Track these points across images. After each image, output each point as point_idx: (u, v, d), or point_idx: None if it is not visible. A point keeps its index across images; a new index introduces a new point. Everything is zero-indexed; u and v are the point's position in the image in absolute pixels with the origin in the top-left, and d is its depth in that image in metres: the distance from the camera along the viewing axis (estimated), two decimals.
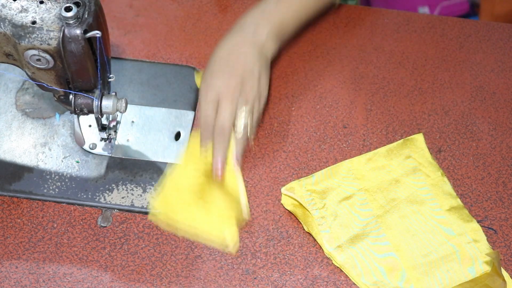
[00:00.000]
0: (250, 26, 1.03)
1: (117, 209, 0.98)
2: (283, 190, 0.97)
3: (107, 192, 0.99)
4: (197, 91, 1.09)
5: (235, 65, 1.00)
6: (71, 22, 0.83)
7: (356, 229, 0.94)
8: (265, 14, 1.05)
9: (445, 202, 0.96)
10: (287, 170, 1.01)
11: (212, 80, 0.99)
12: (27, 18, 0.84)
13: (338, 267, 0.93)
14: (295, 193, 0.96)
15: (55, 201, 0.98)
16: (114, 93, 0.94)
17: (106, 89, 0.93)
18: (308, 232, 0.95)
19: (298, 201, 0.96)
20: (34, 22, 0.84)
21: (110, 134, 1.00)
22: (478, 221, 0.97)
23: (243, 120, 0.97)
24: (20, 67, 0.89)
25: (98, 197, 0.98)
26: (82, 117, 0.98)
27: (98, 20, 0.86)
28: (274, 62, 1.11)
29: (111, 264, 0.93)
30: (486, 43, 1.15)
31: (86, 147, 1.02)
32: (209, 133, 0.97)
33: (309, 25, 1.16)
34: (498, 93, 1.09)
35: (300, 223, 0.96)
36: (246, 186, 1.00)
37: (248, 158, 1.02)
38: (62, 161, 1.01)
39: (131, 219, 0.97)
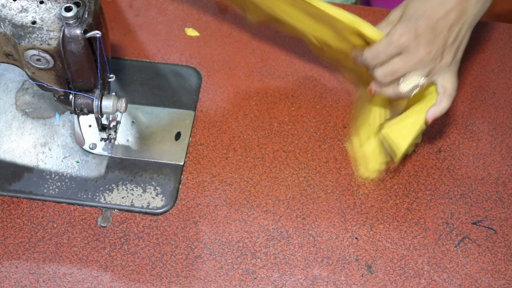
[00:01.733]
0: None
1: (117, 209, 0.98)
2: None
3: (107, 192, 0.99)
4: (197, 91, 1.08)
5: (438, 32, 0.87)
6: (71, 22, 0.83)
7: None
8: None
9: None
10: (287, 170, 1.01)
11: (415, 27, 0.87)
12: (27, 18, 0.84)
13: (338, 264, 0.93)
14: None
15: (55, 201, 0.98)
16: (114, 93, 0.94)
17: (106, 89, 0.93)
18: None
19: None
20: (34, 22, 0.84)
21: (110, 134, 1.00)
22: (478, 221, 0.97)
23: (412, 84, 0.90)
24: (20, 67, 0.89)
25: (98, 197, 0.98)
26: (82, 117, 0.98)
27: (98, 20, 0.86)
28: (274, 62, 1.11)
29: (111, 264, 0.93)
30: (486, 43, 1.15)
31: (86, 147, 1.02)
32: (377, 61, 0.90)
33: None
34: (498, 93, 1.09)
35: (308, 217, 0.96)
36: (246, 186, 1.00)
37: (248, 158, 1.02)
38: (62, 161, 1.01)
39: (131, 219, 0.97)
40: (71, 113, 0.93)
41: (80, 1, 0.84)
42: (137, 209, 0.97)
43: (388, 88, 0.92)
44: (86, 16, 0.84)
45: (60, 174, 1.00)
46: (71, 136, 1.03)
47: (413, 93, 0.90)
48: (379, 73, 0.90)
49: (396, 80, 0.91)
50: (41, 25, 0.84)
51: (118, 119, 1.03)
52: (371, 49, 0.90)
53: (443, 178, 1.01)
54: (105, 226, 0.96)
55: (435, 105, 0.91)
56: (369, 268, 0.94)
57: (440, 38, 0.88)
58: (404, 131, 0.93)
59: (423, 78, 0.90)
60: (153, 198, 0.98)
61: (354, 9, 1.18)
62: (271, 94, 1.09)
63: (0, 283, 0.91)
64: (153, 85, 1.09)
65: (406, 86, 0.90)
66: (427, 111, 0.92)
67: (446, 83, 0.91)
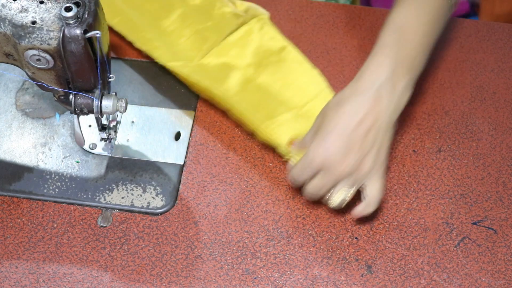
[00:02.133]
0: (381, 81, 0.87)
1: (117, 209, 0.98)
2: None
3: (107, 192, 0.99)
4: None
5: (353, 144, 0.87)
6: (71, 22, 0.83)
7: None
8: (398, 61, 0.88)
9: None
10: (287, 170, 1.01)
11: (326, 145, 0.87)
12: (27, 18, 0.84)
13: (337, 266, 0.93)
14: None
15: (55, 201, 0.98)
16: (114, 93, 0.94)
17: (106, 89, 0.93)
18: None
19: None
20: (34, 22, 0.84)
21: (110, 134, 1.00)
22: (478, 221, 0.97)
23: (340, 199, 0.91)
24: (20, 67, 0.89)
25: (98, 197, 0.98)
26: (82, 117, 0.98)
27: (98, 20, 0.86)
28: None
29: (111, 264, 0.93)
30: (486, 43, 1.15)
31: (86, 147, 1.02)
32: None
33: (309, 26, 1.16)
34: (498, 93, 1.09)
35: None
36: (246, 186, 1.00)
37: (248, 158, 1.02)
38: (62, 161, 1.01)
39: (131, 219, 0.97)
40: (71, 113, 0.93)
41: (80, 1, 0.84)
42: (137, 209, 0.97)
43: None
44: (86, 16, 0.84)
45: (60, 174, 1.00)
46: (71, 136, 1.03)
47: (344, 204, 0.92)
48: (307, 192, 0.93)
49: (326, 194, 0.92)
50: (41, 25, 0.84)
51: (118, 119, 1.03)
52: (291, 172, 0.92)
53: (443, 178, 1.01)
54: (105, 226, 0.96)
55: (362, 206, 0.92)
56: (369, 268, 0.94)
57: (356, 148, 0.87)
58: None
59: (349, 190, 0.91)
60: (153, 198, 0.98)
61: (354, 9, 1.18)
62: None
63: (0, 283, 0.91)
64: (153, 85, 1.09)
65: (334, 202, 0.92)
66: (354, 209, 0.93)
67: (372, 189, 0.91)
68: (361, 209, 0.92)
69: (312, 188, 0.91)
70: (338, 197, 0.91)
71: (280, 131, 1.00)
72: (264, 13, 1.13)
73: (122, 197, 0.98)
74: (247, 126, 1.02)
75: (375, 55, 0.90)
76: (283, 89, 1.05)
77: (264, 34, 1.10)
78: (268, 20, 1.12)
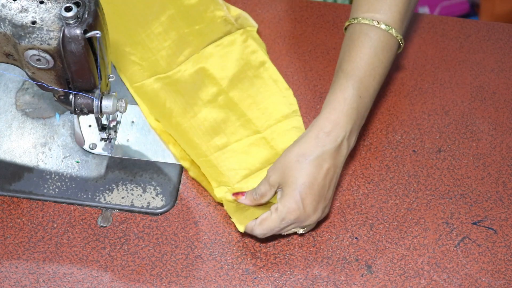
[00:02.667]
0: (343, 136, 0.91)
1: (117, 209, 0.98)
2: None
3: (107, 192, 0.99)
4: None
5: (324, 193, 0.91)
6: (71, 22, 0.83)
7: None
8: (354, 114, 0.92)
9: None
10: None
11: (299, 201, 0.90)
12: (27, 18, 0.84)
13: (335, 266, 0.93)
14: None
15: (55, 201, 0.98)
16: (114, 93, 0.94)
17: (106, 89, 0.93)
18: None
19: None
20: (34, 22, 0.84)
21: (110, 134, 1.00)
22: (478, 221, 0.97)
23: (290, 233, 0.94)
24: (20, 67, 0.89)
25: (98, 197, 0.98)
26: (82, 117, 0.98)
27: (98, 20, 0.86)
28: (274, 62, 1.11)
29: (111, 264, 0.93)
30: (486, 43, 1.15)
31: (86, 147, 1.02)
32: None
33: (309, 26, 1.16)
34: (498, 93, 1.09)
35: None
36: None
37: None
38: (62, 161, 1.01)
39: (131, 219, 0.97)
40: (71, 113, 0.93)
41: (80, 1, 0.84)
42: (137, 209, 0.97)
43: None
44: (86, 16, 0.84)
45: (60, 174, 1.00)
46: (71, 136, 1.03)
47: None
48: (262, 233, 0.92)
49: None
50: (41, 25, 0.84)
51: (118, 119, 1.03)
52: (263, 226, 0.92)
53: (443, 178, 1.01)
54: (105, 226, 0.96)
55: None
56: (369, 268, 0.94)
57: (323, 199, 0.92)
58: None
59: (302, 230, 0.94)
60: (153, 198, 0.98)
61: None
62: None
63: (0, 283, 0.91)
64: None
65: (285, 233, 0.94)
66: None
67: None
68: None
69: (277, 232, 0.93)
70: (302, 230, 0.94)
71: (230, 161, 1.00)
72: (252, 25, 1.13)
73: (122, 197, 0.98)
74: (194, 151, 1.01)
75: (335, 109, 0.92)
76: (252, 107, 1.05)
77: (247, 47, 1.10)
78: (255, 33, 1.12)
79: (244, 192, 0.95)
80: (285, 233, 0.94)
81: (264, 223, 0.91)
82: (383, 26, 0.94)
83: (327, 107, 0.93)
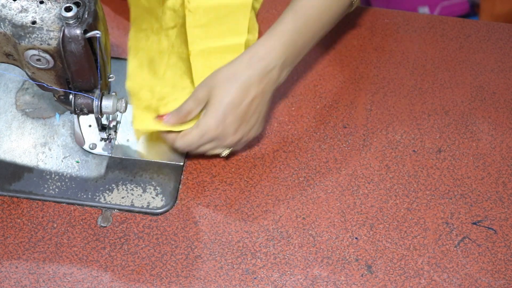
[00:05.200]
0: (275, 64, 0.95)
1: (117, 209, 0.98)
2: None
3: (107, 192, 0.99)
4: None
5: (245, 115, 0.94)
6: (71, 22, 0.83)
7: None
8: (290, 48, 0.96)
9: None
10: (287, 170, 1.01)
11: (221, 119, 0.93)
12: (27, 18, 0.84)
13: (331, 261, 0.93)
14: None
15: (55, 201, 0.98)
16: (114, 93, 0.94)
17: (106, 89, 0.93)
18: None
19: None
20: (34, 22, 0.84)
21: (110, 134, 1.00)
22: (478, 221, 0.97)
23: (226, 153, 0.98)
24: (20, 67, 0.89)
25: (98, 197, 0.98)
26: (82, 117, 0.98)
27: (98, 20, 0.86)
28: None
29: (111, 264, 0.93)
30: (486, 43, 1.15)
31: (86, 147, 1.02)
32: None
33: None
34: (498, 93, 1.09)
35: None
36: (246, 186, 1.00)
37: (248, 158, 1.02)
38: (62, 161, 1.01)
39: (131, 219, 0.97)
40: (71, 113, 0.93)
41: (80, 1, 0.84)
42: (137, 209, 0.97)
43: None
44: (86, 16, 0.84)
45: (60, 174, 1.00)
46: (71, 136, 1.03)
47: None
48: (182, 147, 0.96)
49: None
50: (41, 25, 0.84)
51: (118, 119, 1.03)
52: (184, 139, 0.95)
53: (443, 178, 1.01)
54: (105, 226, 0.96)
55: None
56: (369, 268, 0.94)
57: (246, 121, 0.94)
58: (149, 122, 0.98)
59: (225, 151, 0.98)
60: (153, 198, 0.98)
61: (354, 9, 1.18)
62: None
63: (0, 283, 0.91)
64: None
65: (209, 153, 0.98)
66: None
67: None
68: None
69: (199, 151, 0.96)
70: (214, 152, 0.97)
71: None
72: None
73: (122, 197, 0.98)
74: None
75: (273, 36, 0.96)
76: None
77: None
78: None
79: (167, 113, 0.97)
80: (209, 154, 0.96)
81: (185, 137, 0.95)
82: None
83: (266, 34, 0.96)
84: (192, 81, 1.01)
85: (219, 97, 0.93)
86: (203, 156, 1.02)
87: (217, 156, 0.99)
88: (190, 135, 0.94)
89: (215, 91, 0.93)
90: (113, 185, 0.99)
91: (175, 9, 1.08)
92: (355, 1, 1.02)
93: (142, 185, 0.99)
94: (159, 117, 0.96)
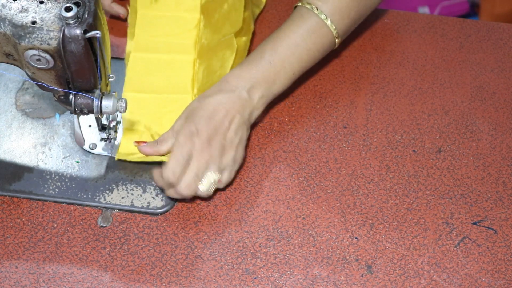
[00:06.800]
0: (243, 87, 0.98)
1: (117, 209, 0.98)
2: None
3: (107, 192, 0.99)
4: None
5: (218, 129, 0.96)
6: (71, 22, 0.83)
7: None
8: (258, 76, 0.99)
9: None
10: (287, 170, 1.01)
11: (191, 136, 0.95)
12: (27, 18, 0.84)
13: (336, 267, 0.93)
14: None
15: (55, 201, 0.98)
16: (114, 93, 0.94)
17: (106, 89, 0.93)
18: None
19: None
20: (34, 22, 0.84)
21: (110, 134, 1.00)
22: (478, 221, 0.97)
23: (206, 187, 0.95)
24: (20, 67, 0.89)
25: (98, 197, 0.98)
26: (82, 117, 0.98)
27: (98, 20, 0.86)
28: None
29: (111, 264, 0.93)
30: (486, 43, 1.15)
31: (86, 147, 1.02)
32: (166, 186, 0.96)
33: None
34: (498, 93, 1.09)
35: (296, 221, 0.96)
36: (246, 186, 1.00)
37: (248, 158, 1.02)
38: (62, 161, 1.01)
39: (131, 219, 0.97)
40: (71, 113, 0.93)
41: (80, 1, 0.84)
42: (137, 209, 0.97)
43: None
44: (86, 16, 0.84)
45: (60, 174, 1.00)
46: (71, 136, 1.03)
47: (212, 190, 0.96)
48: (183, 186, 0.94)
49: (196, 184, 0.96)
50: (41, 25, 0.84)
51: (118, 119, 1.03)
52: (166, 169, 0.94)
53: (443, 178, 1.01)
54: (105, 226, 0.96)
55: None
56: (369, 268, 0.94)
57: (221, 135, 0.96)
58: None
59: (214, 175, 0.96)
60: (153, 198, 0.98)
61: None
62: None
63: (0, 283, 0.91)
64: None
65: (203, 186, 0.95)
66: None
67: (225, 176, 0.97)
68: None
69: (185, 181, 0.94)
70: (208, 181, 0.95)
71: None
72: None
73: (122, 197, 0.98)
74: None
75: (244, 67, 1.00)
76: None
77: None
78: None
79: (146, 141, 0.99)
80: (205, 188, 0.95)
81: (167, 165, 0.94)
82: (321, 15, 1.01)
83: (238, 66, 1.01)
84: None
85: (193, 116, 0.97)
86: None
87: (216, 191, 0.98)
88: (170, 160, 0.94)
89: (190, 116, 0.97)
90: (113, 185, 0.99)
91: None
92: (338, 41, 1.05)
93: (142, 185, 0.99)
94: (137, 142, 0.98)
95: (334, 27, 1.02)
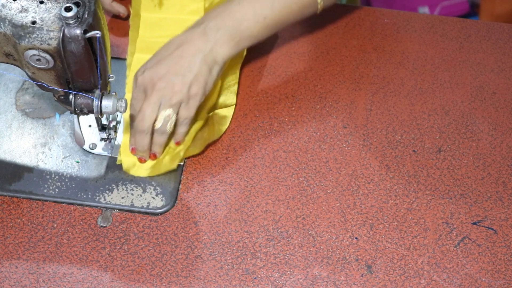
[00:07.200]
0: (207, 26, 0.99)
1: (117, 209, 0.98)
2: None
3: (107, 192, 0.99)
4: None
5: (177, 61, 0.97)
6: (71, 22, 0.83)
7: None
8: (225, 15, 1.00)
9: None
10: (287, 170, 1.01)
11: (150, 67, 0.98)
12: (27, 18, 0.84)
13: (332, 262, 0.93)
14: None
15: (55, 201, 0.98)
16: (114, 93, 0.94)
17: (106, 89, 0.93)
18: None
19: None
20: (34, 22, 0.84)
21: (110, 134, 1.00)
22: (478, 221, 0.97)
23: (160, 123, 0.97)
24: (20, 67, 0.89)
25: (98, 197, 0.98)
26: (82, 117, 0.98)
27: (98, 20, 0.86)
28: (274, 62, 1.11)
29: (111, 264, 0.93)
30: (486, 43, 1.15)
31: (86, 147, 1.02)
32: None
33: (309, 26, 1.16)
34: (498, 93, 1.10)
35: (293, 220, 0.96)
36: (246, 186, 1.00)
37: (248, 158, 1.02)
38: (62, 161, 1.01)
39: (131, 219, 0.97)
40: (71, 113, 0.93)
41: (80, 1, 0.84)
42: (137, 209, 0.97)
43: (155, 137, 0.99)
44: (86, 16, 0.84)
45: (60, 174, 1.00)
46: (71, 136, 1.03)
47: (168, 126, 0.97)
48: (139, 119, 0.97)
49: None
50: (41, 25, 0.84)
51: (118, 119, 1.03)
52: (130, 107, 0.99)
53: (443, 178, 1.01)
54: (105, 226, 0.96)
55: (177, 129, 1.00)
56: (369, 268, 0.94)
57: (169, 64, 0.97)
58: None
59: (169, 110, 0.96)
60: (153, 198, 0.98)
61: (354, 9, 1.18)
62: (271, 94, 1.09)
63: (0, 283, 0.91)
64: None
65: (159, 121, 0.97)
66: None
67: (183, 112, 0.98)
68: (176, 131, 0.99)
69: (142, 115, 0.96)
70: (161, 116, 0.96)
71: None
72: None
73: (122, 197, 0.98)
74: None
75: (217, 6, 1.02)
76: None
77: None
78: None
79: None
80: (158, 119, 0.96)
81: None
82: None
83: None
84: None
85: (153, 56, 0.99)
86: (203, 156, 1.02)
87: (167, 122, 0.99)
88: (130, 100, 0.99)
89: (152, 57, 1.00)
90: (113, 185, 0.99)
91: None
92: (320, 3, 1.04)
93: (142, 185, 0.99)
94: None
95: None
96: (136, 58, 1.07)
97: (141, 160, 0.99)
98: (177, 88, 0.96)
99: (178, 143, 1.00)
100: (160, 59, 0.98)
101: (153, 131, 0.97)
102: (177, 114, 0.97)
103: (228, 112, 1.05)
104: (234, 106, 1.06)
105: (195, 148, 1.01)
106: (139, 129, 0.97)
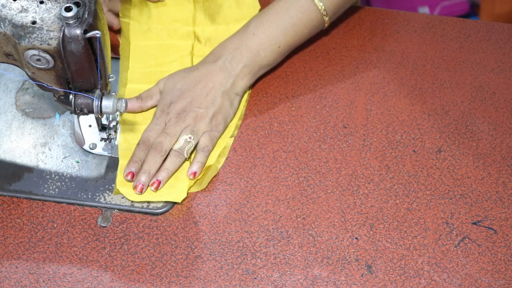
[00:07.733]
0: (226, 59, 1.04)
1: (117, 209, 0.98)
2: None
3: (107, 192, 0.99)
4: None
5: (199, 94, 1.02)
6: (71, 22, 0.83)
7: None
8: (242, 47, 1.04)
9: None
10: (287, 170, 1.01)
11: (175, 102, 1.01)
12: (27, 18, 0.84)
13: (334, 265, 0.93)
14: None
15: (55, 201, 0.98)
16: (114, 93, 0.94)
17: (106, 89, 0.93)
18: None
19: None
20: (34, 22, 0.84)
21: (110, 134, 1.00)
22: (478, 221, 0.97)
23: (179, 145, 0.99)
24: (20, 67, 0.89)
25: (98, 197, 0.98)
26: (82, 117, 0.98)
27: (98, 20, 0.86)
28: None
29: (111, 264, 0.93)
30: (486, 43, 1.15)
31: (86, 147, 1.02)
32: (146, 147, 1.00)
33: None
34: (498, 93, 1.10)
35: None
36: (246, 186, 1.00)
37: (248, 158, 1.02)
38: (62, 161, 1.01)
39: (131, 219, 0.97)
40: (71, 113, 0.93)
41: (80, 1, 0.84)
42: (137, 209, 0.97)
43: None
44: (86, 16, 0.84)
45: (60, 174, 1.00)
46: (71, 136, 1.03)
47: (186, 149, 0.99)
48: (156, 142, 0.99)
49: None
50: (41, 25, 0.84)
51: (118, 119, 1.03)
52: (145, 132, 1.01)
53: (443, 178, 1.01)
54: (105, 226, 0.96)
55: (196, 156, 1.01)
56: (369, 268, 0.94)
57: (193, 90, 1.02)
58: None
59: (189, 135, 0.99)
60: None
61: (354, 9, 1.18)
62: (271, 94, 1.09)
63: (0, 283, 0.91)
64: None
65: (179, 143, 0.99)
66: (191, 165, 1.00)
67: (203, 140, 1.01)
68: (194, 159, 1.00)
69: (164, 136, 0.99)
70: (182, 138, 0.99)
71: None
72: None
73: (122, 197, 0.98)
74: None
75: (231, 37, 1.06)
76: None
77: None
78: None
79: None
80: (178, 144, 0.99)
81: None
82: None
83: (226, 38, 1.07)
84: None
85: (170, 91, 1.03)
86: None
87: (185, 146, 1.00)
88: (148, 126, 1.01)
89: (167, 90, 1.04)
90: (113, 185, 0.99)
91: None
92: (327, 19, 1.08)
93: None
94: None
95: (321, 4, 1.06)
96: (129, 89, 1.07)
97: (137, 188, 0.97)
98: (201, 118, 1.00)
99: (194, 174, 0.98)
100: (183, 92, 1.02)
101: (168, 155, 0.99)
102: (198, 142, 1.00)
103: (228, 143, 1.04)
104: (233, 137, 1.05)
105: (202, 185, 0.99)
106: (156, 148, 0.98)
